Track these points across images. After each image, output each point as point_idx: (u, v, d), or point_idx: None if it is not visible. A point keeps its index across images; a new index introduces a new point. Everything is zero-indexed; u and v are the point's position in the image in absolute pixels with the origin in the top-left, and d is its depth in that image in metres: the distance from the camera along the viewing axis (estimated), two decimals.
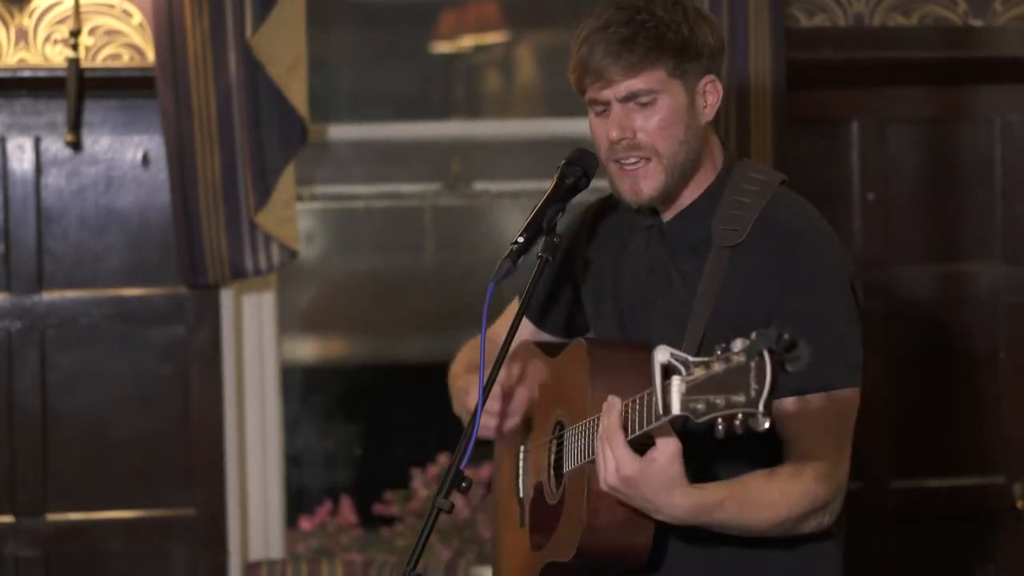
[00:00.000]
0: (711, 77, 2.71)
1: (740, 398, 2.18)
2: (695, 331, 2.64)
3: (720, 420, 2.22)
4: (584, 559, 2.61)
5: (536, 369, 2.89)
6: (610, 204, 2.91)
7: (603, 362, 2.64)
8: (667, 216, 2.76)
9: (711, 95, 2.71)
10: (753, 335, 2.17)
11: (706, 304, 2.65)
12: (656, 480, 2.45)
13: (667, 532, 2.63)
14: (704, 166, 2.75)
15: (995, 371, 4.86)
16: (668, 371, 2.29)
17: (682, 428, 2.46)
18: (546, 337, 3.03)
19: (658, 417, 2.33)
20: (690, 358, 2.27)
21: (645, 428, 2.40)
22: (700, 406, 2.23)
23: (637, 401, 2.44)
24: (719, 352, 2.23)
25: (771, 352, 2.15)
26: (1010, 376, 4.85)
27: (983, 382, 4.85)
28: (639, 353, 2.60)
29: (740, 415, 2.19)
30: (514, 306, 3.01)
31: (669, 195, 2.72)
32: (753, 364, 2.16)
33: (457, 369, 3.06)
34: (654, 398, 2.33)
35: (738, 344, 2.20)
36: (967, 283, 4.87)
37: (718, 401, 2.21)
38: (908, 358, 4.83)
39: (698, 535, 2.62)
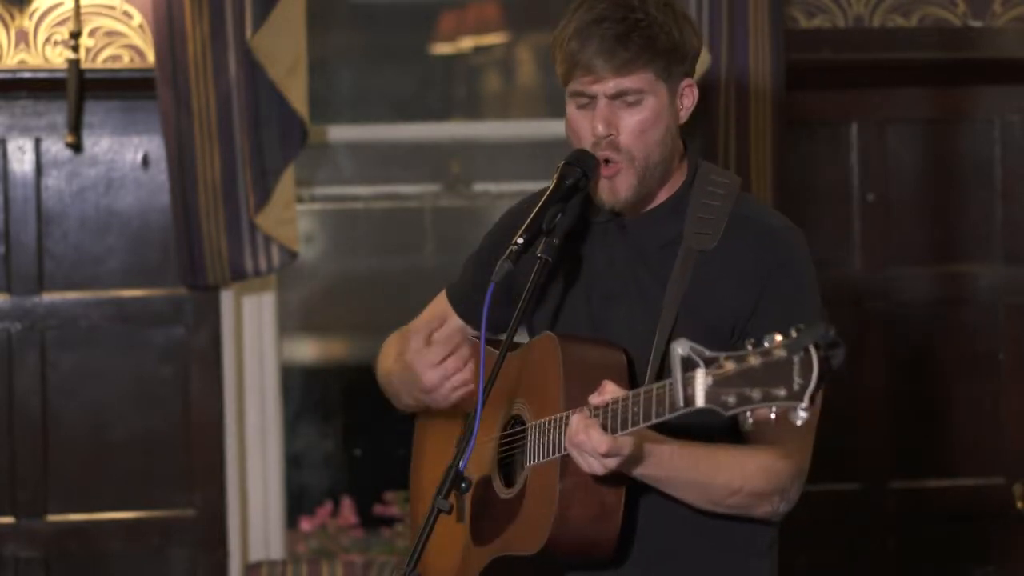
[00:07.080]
0: (689, 80, 2.72)
1: (781, 391, 2.17)
2: (665, 327, 2.64)
3: (750, 412, 2.22)
4: (550, 553, 2.59)
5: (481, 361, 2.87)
6: None
7: (575, 358, 2.63)
8: (630, 214, 2.76)
9: (687, 98, 2.72)
10: (793, 331, 2.17)
11: (676, 301, 2.65)
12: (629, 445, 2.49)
13: (632, 525, 2.65)
14: (674, 168, 2.75)
15: (995, 372, 4.86)
16: (687, 365, 2.28)
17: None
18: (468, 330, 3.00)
19: (676, 409, 2.31)
20: (708, 352, 2.25)
21: (654, 420, 2.39)
22: (731, 399, 2.22)
23: (641, 394, 2.42)
24: (750, 347, 2.22)
25: (817, 347, 2.14)
26: (1010, 377, 4.85)
27: (983, 383, 4.85)
28: (611, 352, 2.64)
29: (775, 408, 2.19)
30: (440, 299, 3.12)
31: (641, 196, 2.72)
32: (797, 359, 2.15)
33: (387, 364, 3.06)
34: (672, 390, 2.31)
35: (775, 339, 2.19)
36: (967, 284, 4.87)
37: (753, 394, 2.19)
38: (908, 358, 4.83)
39: (660, 529, 2.65)
